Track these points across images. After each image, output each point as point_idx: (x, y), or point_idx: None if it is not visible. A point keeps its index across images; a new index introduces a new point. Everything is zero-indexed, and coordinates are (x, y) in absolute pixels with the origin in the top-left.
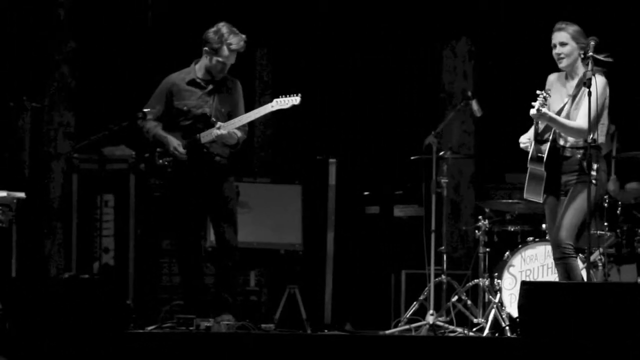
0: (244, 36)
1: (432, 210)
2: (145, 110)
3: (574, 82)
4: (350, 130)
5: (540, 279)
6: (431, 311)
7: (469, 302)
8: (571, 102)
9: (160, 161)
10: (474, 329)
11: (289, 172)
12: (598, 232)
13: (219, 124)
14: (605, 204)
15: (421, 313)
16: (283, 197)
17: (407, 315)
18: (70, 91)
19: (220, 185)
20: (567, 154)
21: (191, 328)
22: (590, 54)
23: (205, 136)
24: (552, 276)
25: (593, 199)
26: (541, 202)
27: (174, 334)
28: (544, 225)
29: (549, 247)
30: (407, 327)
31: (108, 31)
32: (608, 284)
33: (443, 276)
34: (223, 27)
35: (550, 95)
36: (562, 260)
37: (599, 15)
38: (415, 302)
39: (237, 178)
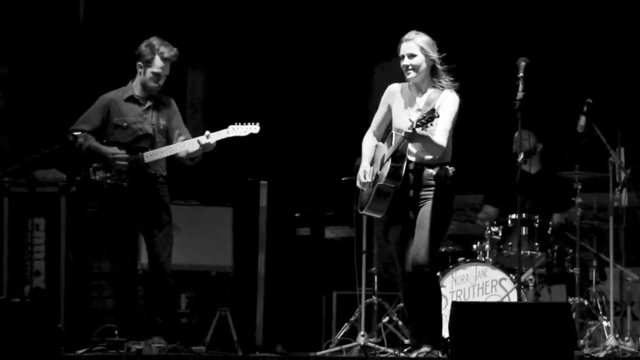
0: (174, 47)
1: (363, 231)
2: (75, 133)
3: (424, 97)
4: (281, 151)
5: (471, 299)
6: (362, 332)
7: (400, 322)
8: None
9: (97, 177)
10: (405, 350)
11: (219, 194)
12: (529, 252)
13: (207, 132)
14: (536, 225)
15: (352, 334)
16: (214, 219)
17: (338, 337)
18: (1, 113)
19: (157, 206)
20: (418, 169)
21: (122, 351)
22: (521, 74)
23: (149, 156)
24: (483, 296)
25: (447, 215)
26: (380, 217)
27: (105, 357)
28: (474, 246)
29: (480, 268)
30: (338, 348)
31: (39, 53)
32: (539, 304)
33: (374, 297)
34: (154, 39)
35: (437, 115)
36: (419, 282)
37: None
38: (346, 323)
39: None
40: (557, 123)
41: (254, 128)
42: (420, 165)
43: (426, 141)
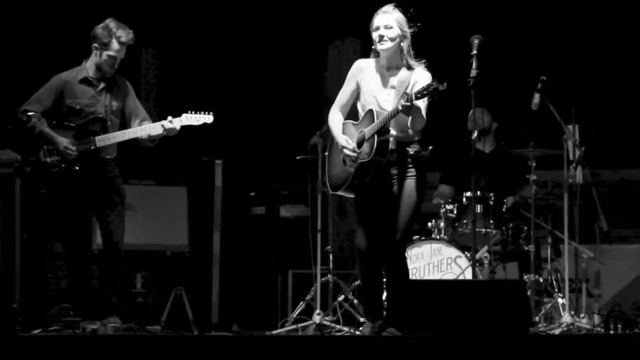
0: (131, 30)
1: (318, 210)
2: (29, 113)
3: (397, 76)
4: (236, 131)
5: (426, 277)
6: (318, 311)
7: (355, 301)
8: (396, 95)
9: (48, 159)
10: (361, 328)
11: (174, 174)
12: (484, 229)
13: (169, 118)
14: (491, 202)
15: (308, 313)
16: (169, 198)
17: (294, 315)
18: None
19: (109, 187)
20: (398, 146)
21: (77, 331)
22: (474, 52)
23: (101, 140)
24: (439, 274)
25: (424, 193)
26: (352, 196)
27: (60, 337)
28: (429, 224)
29: (435, 246)
30: (294, 327)
31: None
32: (494, 281)
33: (329, 276)
34: (111, 22)
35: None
36: (390, 259)
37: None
38: (302, 302)
39: (122, 180)
40: (511, 100)
41: (208, 118)
42: (399, 143)
43: (418, 114)
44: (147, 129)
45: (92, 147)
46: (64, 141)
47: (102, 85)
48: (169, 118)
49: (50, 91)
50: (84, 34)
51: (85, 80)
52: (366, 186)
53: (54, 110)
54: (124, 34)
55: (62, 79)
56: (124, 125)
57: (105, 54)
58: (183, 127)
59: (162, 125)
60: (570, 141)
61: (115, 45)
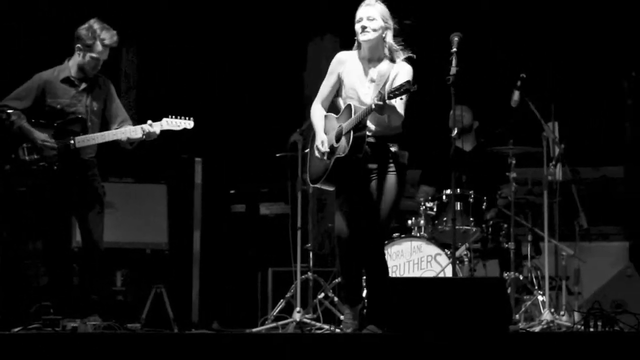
0: (115, 32)
1: (298, 207)
2: (9, 111)
3: (377, 68)
4: (216, 128)
5: (406, 275)
6: (298, 308)
7: (335, 299)
8: (375, 88)
9: (27, 157)
10: (341, 326)
11: (154, 171)
12: (464, 227)
13: (149, 122)
14: (471, 200)
15: (288, 311)
16: (148, 196)
17: (274, 313)
18: None
19: (88, 186)
20: (376, 142)
21: (57, 329)
22: (454, 49)
23: (81, 141)
24: (419, 272)
25: (403, 189)
26: (332, 189)
27: (40, 335)
28: (409, 222)
29: (415, 243)
30: (274, 324)
31: None
32: (474, 279)
33: (309, 273)
34: (95, 23)
35: (414, 88)
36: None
37: None
38: (282, 300)
39: (102, 178)
40: (491, 98)
41: (188, 123)
42: (378, 138)
43: (393, 112)
44: (126, 132)
45: (71, 146)
46: (41, 135)
47: (83, 85)
48: (149, 122)
49: (31, 89)
50: (62, 32)
51: (67, 80)
52: (345, 180)
53: (34, 108)
54: (108, 37)
55: (43, 78)
56: (105, 125)
57: (88, 55)
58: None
59: (142, 129)
60: (550, 138)
61: (98, 47)
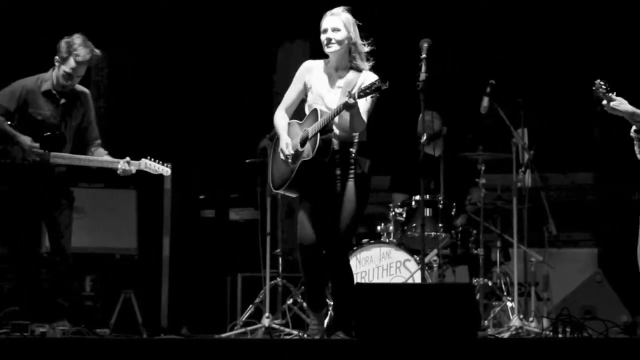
0: (97, 51)
1: (267, 213)
2: None
3: (344, 78)
4: (185, 134)
5: (375, 280)
6: (267, 314)
7: (304, 304)
8: (342, 95)
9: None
10: (308, 332)
11: (123, 177)
12: (433, 233)
13: (127, 158)
14: (440, 206)
15: (257, 316)
16: (118, 201)
17: (243, 319)
18: None
19: (56, 192)
20: (341, 147)
21: (26, 334)
22: (423, 55)
23: (56, 158)
24: (388, 278)
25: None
26: (295, 196)
27: (8, 339)
28: (378, 227)
29: (384, 249)
30: (243, 330)
31: None
32: (443, 285)
33: (279, 279)
34: (77, 38)
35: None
36: (340, 259)
37: None
38: (251, 305)
39: (72, 183)
40: (460, 104)
41: (165, 170)
42: (341, 143)
43: (357, 114)
44: (104, 162)
45: (47, 159)
46: (27, 140)
47: (63, 100)
48: (127, 159)
49: (14, 96)
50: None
51: (49, 94)
52: (309, 185)
53: (14, 114)
54: (83, 53)
55: (27, 88)
56: (81, 140)
57: (62, 68)
58: (133, 127)
59: (120, 166)
60: (519, 145)
61: (71, 62)
